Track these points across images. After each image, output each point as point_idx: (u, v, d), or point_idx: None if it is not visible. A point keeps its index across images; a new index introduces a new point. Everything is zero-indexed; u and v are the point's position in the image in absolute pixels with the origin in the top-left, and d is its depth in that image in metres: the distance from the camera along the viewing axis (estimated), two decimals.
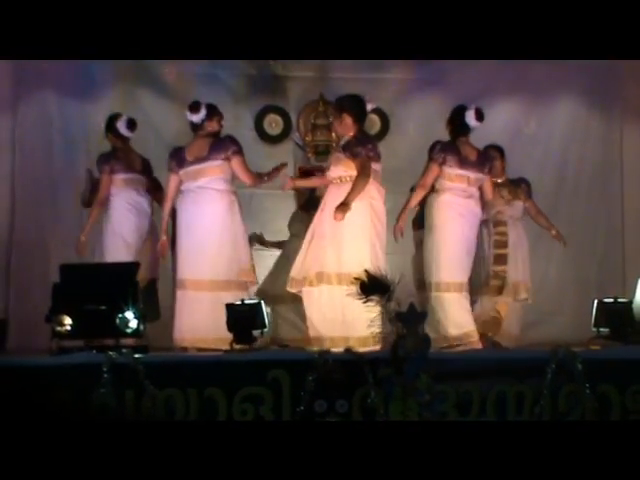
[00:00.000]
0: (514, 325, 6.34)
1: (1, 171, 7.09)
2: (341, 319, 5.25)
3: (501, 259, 6.17)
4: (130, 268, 5.06)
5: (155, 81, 7.36)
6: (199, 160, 5.65)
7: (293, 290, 5.50)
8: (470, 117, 5.75)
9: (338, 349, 4.78)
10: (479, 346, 5.61)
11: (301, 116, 7.63)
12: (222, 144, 5.70)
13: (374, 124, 7.57)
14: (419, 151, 6.44)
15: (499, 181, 6.26)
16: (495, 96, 7.41)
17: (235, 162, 5.68)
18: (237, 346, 5.01)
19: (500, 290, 6.17)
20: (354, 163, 5.36)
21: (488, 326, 6.10)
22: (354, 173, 5.35)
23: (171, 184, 5.78)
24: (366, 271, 4.42)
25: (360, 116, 5.48)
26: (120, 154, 6.08)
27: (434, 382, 4.00)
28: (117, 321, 4.72)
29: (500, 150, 6.34)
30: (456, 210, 5.73)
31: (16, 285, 6.96)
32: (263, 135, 7.53)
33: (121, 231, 5.99)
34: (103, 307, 4.76)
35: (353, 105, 5.47)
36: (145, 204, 6.12)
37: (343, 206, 5.25)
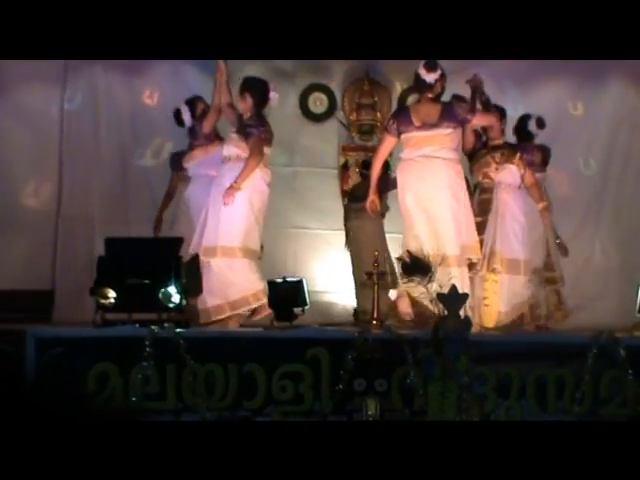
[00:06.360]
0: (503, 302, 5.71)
1: (49, 145, 7.17)
2: None
3: (479, 228, 5.66)
4: (174, 243, 5.09)
5: None
6: (429, 126, 5.40)
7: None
8: (532, 125, 6.14)
9: None
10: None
11: (346, 95, 7.59)
12: (452, 110, 5.43)
13: None
14: None
15: (495, 143, 5.92)
16: (542, 76, 7.29)
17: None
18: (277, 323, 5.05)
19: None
20: (246, 143, 5.52)
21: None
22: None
23: (386, 145, 5.63)
24: (408, 251, 4.41)
25: (262, 100, 5.71)
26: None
27: (474, 364, 3.99)
28: (160, 295, 4.77)
29: (501, 111, 6.01)
30: None
31: (62, 258, 7.05)
32: (307, 113, 7.51)
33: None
34: (146, 281, 4.81)
35: (259, 88, 5.72)
36: None
37: (231, 189, 5.38)
